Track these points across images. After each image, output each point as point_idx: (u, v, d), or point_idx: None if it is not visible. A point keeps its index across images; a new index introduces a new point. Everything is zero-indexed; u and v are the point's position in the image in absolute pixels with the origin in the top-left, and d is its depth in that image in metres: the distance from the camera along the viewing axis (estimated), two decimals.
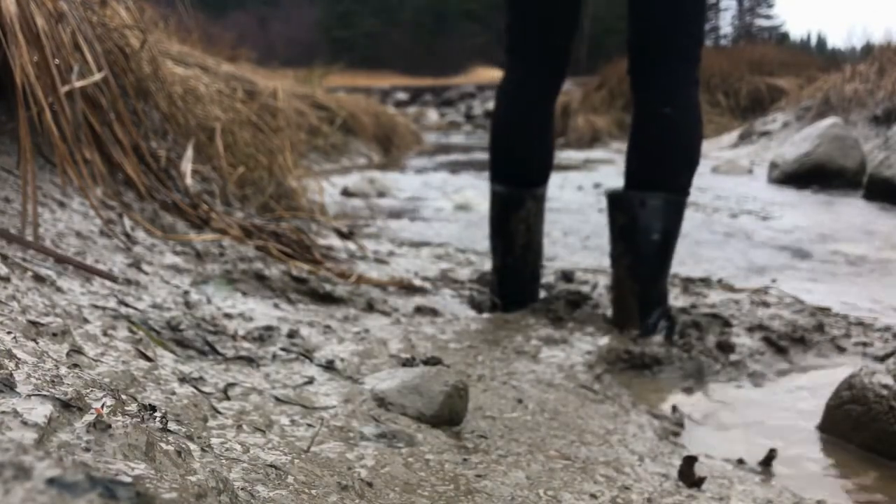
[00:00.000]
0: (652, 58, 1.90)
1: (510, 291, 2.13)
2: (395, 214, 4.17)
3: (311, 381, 1.21)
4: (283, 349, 1.37)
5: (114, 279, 1.39)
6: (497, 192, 2.12)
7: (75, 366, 0.88)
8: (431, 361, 1.32)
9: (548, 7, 1.95)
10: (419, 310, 1.99)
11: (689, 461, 1.09)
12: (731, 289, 2.46)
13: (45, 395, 0.73)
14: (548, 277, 2.54)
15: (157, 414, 0.83)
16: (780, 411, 1.54)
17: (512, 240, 2.09)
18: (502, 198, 2.10)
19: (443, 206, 4.50)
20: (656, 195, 1.88)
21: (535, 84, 2.02)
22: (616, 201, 1.97)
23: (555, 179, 5.63)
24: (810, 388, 1.66)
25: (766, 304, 2.22)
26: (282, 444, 0.92)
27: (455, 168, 7.21)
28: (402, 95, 24.47)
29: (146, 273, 1.59)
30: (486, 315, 2.06)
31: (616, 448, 1.21)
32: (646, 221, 1.88)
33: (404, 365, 1.34)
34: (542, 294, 2.25)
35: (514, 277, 2.13)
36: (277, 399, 1.09)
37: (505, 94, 2.07)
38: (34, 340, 0.92)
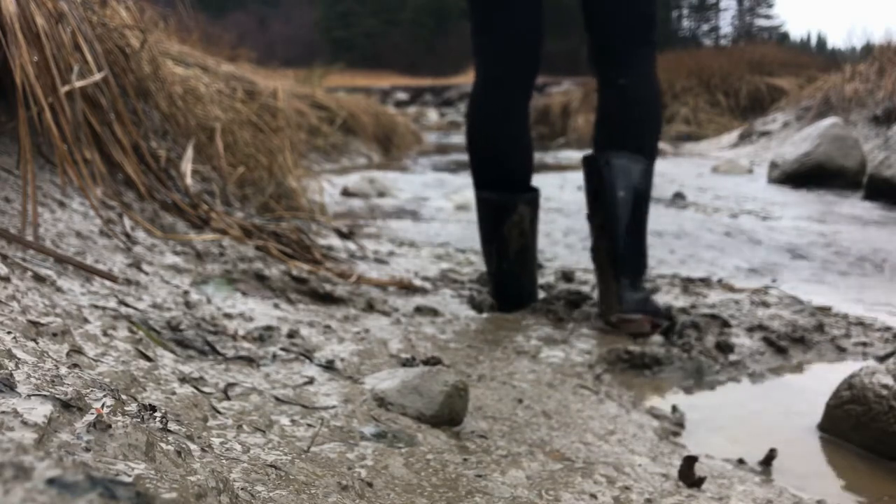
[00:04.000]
0: (608, 46, 2.03)
1: (508, 295, 2.13)
2: (395, 214, 4.17)
3: (311, 381, 1.21)
4: (283, 349, 1.37)
5: (114, 279, 1.39)
6: (486, 198, 2.11)
7: (75, 366, 0.88)
8: (431, 361, 1.32)
9: (508, 5, 1.98)
10: (419, 310, 1.99)
11: (689, 461, 1.09)
12: (731, 289, 2.46)
13: (45, 395, 0.73)
14: (548, 277, 2.54)
15: (157, 414, 0.83)
16: (780, 411, 1.54)
17: (506, 245, 2.09)
18: (492, 205, 2.10)
19: (443, 206, 4.50)
20: (619, 154, 1.97)
21: (507, 87, 2.04)
22: (586, 163, 2.06)
23: (555, 179, 5.64)
24: (810, 388, 1.66)
25: (766, 304, 2.22)
26: (282, 444, 0.92)
27: (455, 168, 7.21)
28: (402, 95, 24.47)
29: (146, 273, 1.59)
30: (486, 315, 2.06)
31: (616, 448, 1.21)
32: (611, 179, 1.96)
33: (404, 365, 1.34)
34: (542, 294, 2.25)
35: (511, 282, 2.13)
36: (277, 399, 1.09)
37: (478, 100, 2.08)
38: (34, 340, 0.92)
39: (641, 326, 1.90)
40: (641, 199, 2.00)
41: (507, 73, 2.04)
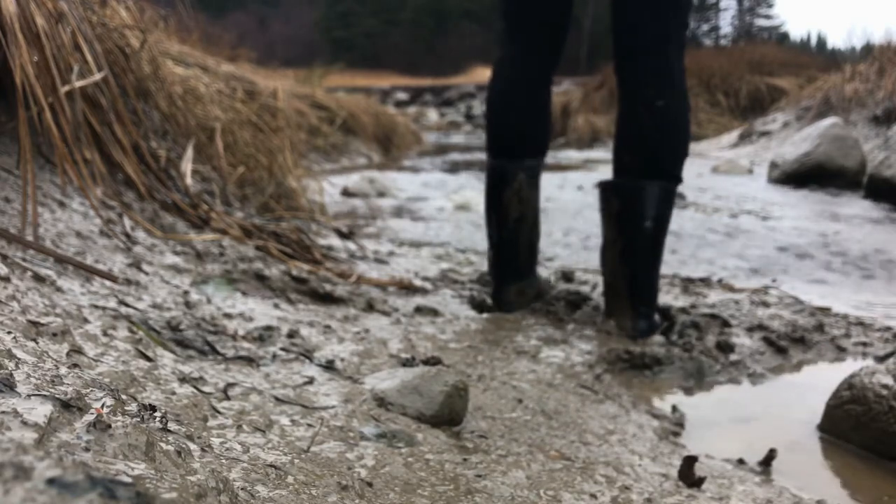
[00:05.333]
0: (640, 48, 1.92)
1: (506, 266, 2.13)
2: (395, 214, 4.17)
3: (311, 381, 1.21)
4: (283, 349, 1.37)
5: (114, 279, 1.39)
6: (490, 165, 2.14)
7: (75, 366, 0.88)
8: (431, 361, 1.33)
9: None
10: (419, 310, 1.99)
11: (689, 461, 1.09)
12: (731, 289, 2.46)
13: (45, 395, 0.73)
14: (548, 277, 2.53)
15: (157, 414, 0.83)
16: (780, 411, 1.54)
17: (506, 213, 2.09)
18: (494, 171, 2.12)
19: (443, 206, 4.50)
20: (655, 183, 1.90)
21: (528, 57, 2.03)
22: (611, 188, 1.99)
23: (555, 179, 5.65)
24: (810, 388, 1.66)
25: (766, 304, 2.22)
26: (282, 444, 0.92)
27: (455, 168, 7.21)
28: (402, 95, 24.46)
29: (146, 273, 1.59)
30: (486, 315, 2.06)
31: (616, 448, 1.21)
32: (640, 208, 1.90)
33: (404, 365, 1.34)
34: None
35: (509, 250, 2.13)
36: (277, 399, 1.09)
37: (498, 69, 2.09)
38: (34, 340, 0.92)
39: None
40: (666, 226, 1.95)
41: (530, 53, 2.02)
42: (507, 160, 2.09)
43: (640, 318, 1.92)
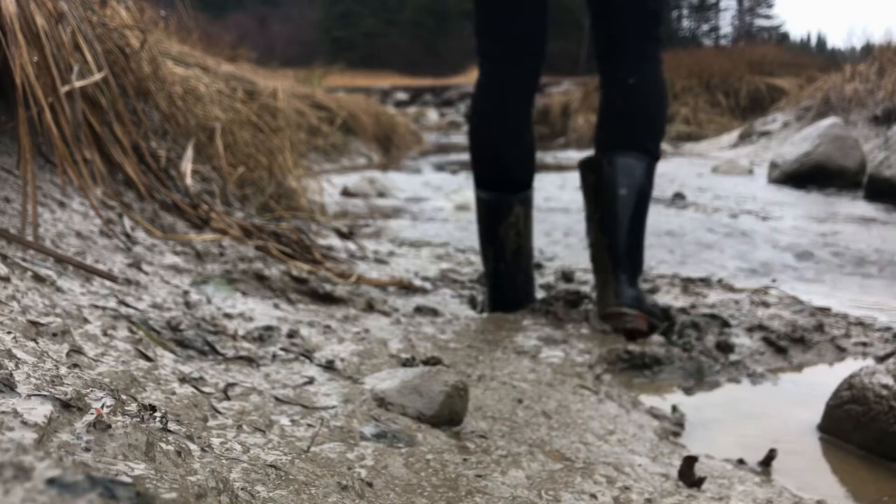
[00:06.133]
0: (616, 40, 2.01)
1: (505, 296, 2.12)
2: (395, 214, 4.17)
3: (311, 381, 1.21)
4: (283, 349, 1.37)
5: (114, 279, 1.39)
6: (484, 199, 2.12)
7: (75, 366, 0.88)
8: (431, 361, 1.32)
9: (513, 6, 1.99)
10: (419, 310, 1.99)
11: (689, 461, 1.09)
12: (731, 289, 2.46)
13: (45, 395, 0.73)
14: (548, 277, 2.53)
15: (157, 414, 0.83)
16: (780, 411, 1.54)
17: (503, 246, 2.09)
18: (490, 205, 2.10)
19: (443, 206, 4.50)
20: (621, 153, 1.96)
21: (510, 86, 2.04)
22: (586, 164, 2.05)
23: (555, 179, 5.64)
24: (810, 388, 1.66)
25: (766, 304, 2.22)
26: (282, 444, 0.92)
27: (455, 168, 7.21)
28: (402, 95, 24.45)
29: (146, 273, 1.59)
30: (486, 315, 2.06)
31: (616, 448, 1.21)
32: (612, 178, 1.95)
33: (404, 365, 1.34)
34: (542, 294, 2.25)
35: (507, 282, 2.12)
36: (277, 399, 1.09)
37: (481, 99, 2.09)
38: (34, 340, 0.92)
39: (636, 322, 1.89)
40: (643, 198, 1.98)
41: (509, 74, 2.03)
42: (501, 193, 2.08)
43: (623, 285, 1.93)
